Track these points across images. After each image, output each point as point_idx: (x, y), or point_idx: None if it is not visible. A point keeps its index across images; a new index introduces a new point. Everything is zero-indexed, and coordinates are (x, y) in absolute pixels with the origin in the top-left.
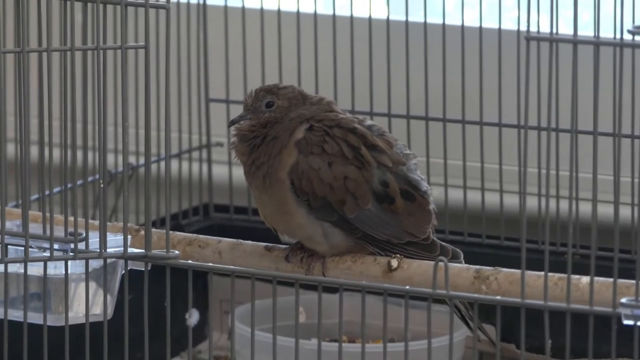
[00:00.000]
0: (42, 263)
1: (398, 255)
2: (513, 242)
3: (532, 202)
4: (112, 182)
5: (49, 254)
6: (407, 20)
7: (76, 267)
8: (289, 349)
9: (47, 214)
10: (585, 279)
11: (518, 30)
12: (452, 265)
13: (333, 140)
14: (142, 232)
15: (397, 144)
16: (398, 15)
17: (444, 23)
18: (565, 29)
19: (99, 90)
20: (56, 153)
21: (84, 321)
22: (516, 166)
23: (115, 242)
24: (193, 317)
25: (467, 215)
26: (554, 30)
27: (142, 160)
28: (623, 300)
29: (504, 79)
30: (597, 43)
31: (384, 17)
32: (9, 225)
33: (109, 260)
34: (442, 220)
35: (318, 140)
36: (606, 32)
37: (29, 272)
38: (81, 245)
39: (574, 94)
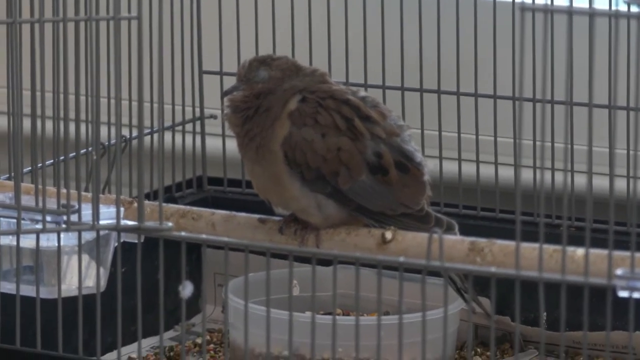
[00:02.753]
0: (34, 235)
1: (392, 227)
2: (508, 214)
3: (527, 175)
4: (105, 154)
5: (41, 226)
6: None
7: (69, 240)
8: (282, 322)
9: (40, 186)
10: (581, 251)
11: (513, 1)
12: (446, 237)
13: (326, 112)
14: (135, 204)
15: (391, 116)
16: None
17: None
18: (559, 1)
19: (92, 61)
20: (48, 125)
21: (76, 294)
22: (511, 138)
23: (108, 214)
24: (186, 290)
25: (462, 187)
26: (549, 1)
27: (135, 133)
28: (618, 271)
29: (499, 51)
30: (592, 13)
31: None
32: (1, 197)
33: (101, 232)
34: (436, 193)
35: (311, 111)
36: (601, 3)
37: (22, 244)
38: (74, 217)
39: (568, 65)
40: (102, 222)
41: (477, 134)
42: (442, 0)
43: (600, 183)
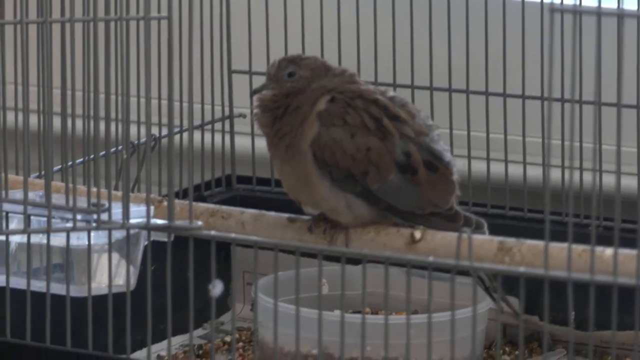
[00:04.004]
0: (64, 234)
1: (421, 226)
2: (536, 213)
3: (555, 174)
4: (135, 153)
5: (71, 225)
6: None
7: (99, 238)
8: (312, 321)
9: (70, 185)
10: (609, 251)
11: (542, 2)
12: (475, 236)
13: (355, 112)
14: (165, 203)
15: (419, 115)
16: None
17: None
18: (588, 2)
19: (122, 61)
20: (79, 124)
21: (106, 292)
22: (539, 138)
23: (138, 213)
24: (216, 288)
25: (490, 186)
26: (578, 2)
27: (165, 132)
28: None
29: (528, 51)
30: (620, 14)
31: None
32: (32, 196)
33: (131, 231)
34: (465, 192)
35: (340, 111)
36: (630, 4)
37: (52, 242)
38: (104, 216)
39: (597, 65)
40: (132, 220)
41: (505, 134)
42: (470, 1)
43: (629, 183)
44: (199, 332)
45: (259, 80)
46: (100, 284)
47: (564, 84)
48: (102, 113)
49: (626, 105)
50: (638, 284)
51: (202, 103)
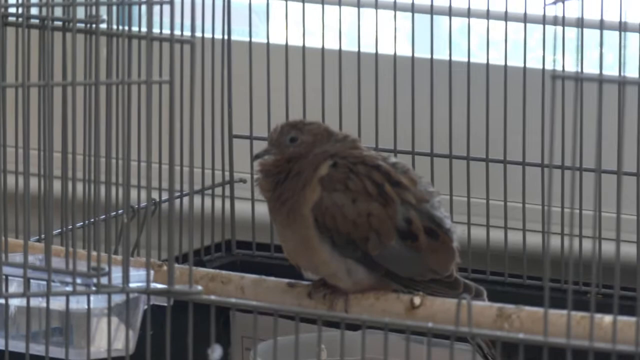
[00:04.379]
0: (64, 297)
1: (421, 292)
2: (536, 280)
3: (555, 241)
4: (135, 217)
5: (71, 288)
6: (432, 58)
7: (98, 302)
8: None
9: (70, 249)
10: (608, 318)
11: (543, 69)
12: (474, 303)
13: (357, 177)
14: (165, 268)
15: (420, 181)
16: (423, 53)
17: (468, 61)
18: (589, 69)
19: (124, 125)
20: (79, 188)
21: (106, 356)
22: (539, 205)
23: (137, 277)
24: (215, 353)
25: (490, 253)
26: (579, 69)
27: (165, 196)
28: None
29: (528, 118)
30: (622, 81)
31: (409, 54)
32: (32, 259)
33: (131, 295)
34: (465, 259)
35: (342, 177)
36: (631, 72)
37: (51, 306)
38: (104, 280)
39: (598, 133)
40: (132, 284)
41: (505, 200)
42: (472, 67)
43: (629, 250)
44: None
45: (259, 145)
46: (99, 348)
47: (565, 150)
48: (102, 177)
49: (627, 173)
50: (637, 352)
51: (203, 167)
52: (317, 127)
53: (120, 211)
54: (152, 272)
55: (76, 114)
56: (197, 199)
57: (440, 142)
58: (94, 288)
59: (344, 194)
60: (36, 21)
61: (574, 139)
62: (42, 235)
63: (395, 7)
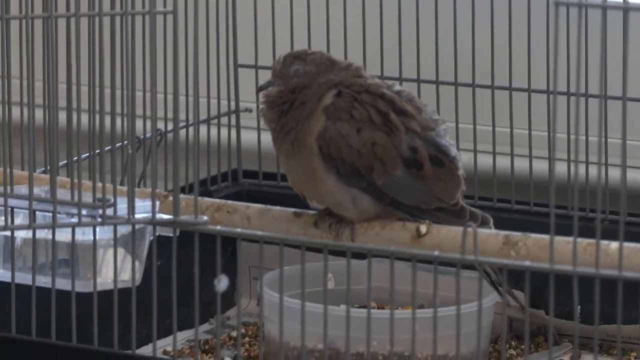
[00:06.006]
0: (70, 229)
1: (427, 221)
2: (543, 207)
3: (561, 168)
4: (141, 147)
5: (77, 220)
6: None
7: (104, 233)
8: (317, 315)
9: (75, 180)
10: (615, 245)
11: None
12: (481, 230)
13: (361, 106)
14: (171, 198)
15: (425, 110)
16: None
17: None
18: None
19: (128, 55)
20: (84, 119)
21: (112, 287)
22: (545, 132)
23: (143, 208)
24: (222, 283)
25: (496, 180)
26: None
27: (170, 126)
28: None
29: (533, 45)
30: (625, 8)
31: None
32: (37, 191)
33: (137, 226)
34: (471, 186)
35: (346, 106)
36: None
37: (57, 238)
38: (109, 211)
39: (602, 59)
40: (137, 215)
41: (511, 128)
42: None
43: (634, 176)
44: (205, 327)
45: (265, 75)
46: (105, 280)
47: (570, 77)
48: (107, 108)
49: (631, 99)
50: None
51: (208, 97)
52: (319, 56)
53: (125, 142)
54: (157, 202)
55: (80, 45)
56: (203, 129)
57: (446, 70)
58: (99, 219)
59: (349, 123)
60: None
61: (578, 66)
62: (48, 167)
63: None
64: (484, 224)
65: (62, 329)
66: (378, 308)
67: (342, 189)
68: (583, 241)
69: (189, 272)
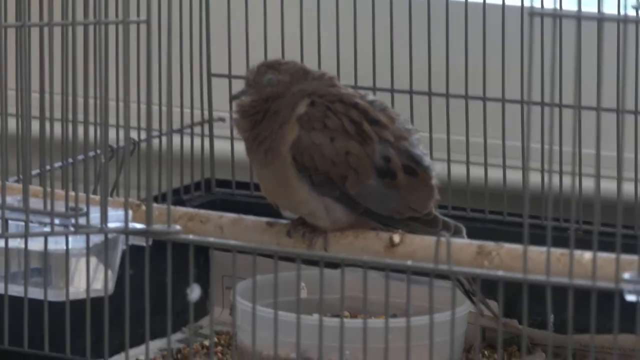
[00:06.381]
0: (43, 238)
1: (400, 230)
2: (516, 217)
3: (535, 178)
4: (114, 157)
5: (49, 229)
6: None
7: (77, 242)
8: (290, 324)
9: (48, 189)
10: (588, 255)
11: (522, 6)
12: (454, 240)
13: (335, 116)
14: (144, 207)
15: (399, 119)
16: None
17: None
18: (568, 6)
19: (101, 64)
20: (57, 128)
21: (84, 296)
22: (519, 142)
23: (116, 217)
24: (194, 293)
25: (470, 190)
26: (558, 6)
27: (143, 135)
28: (626, 275)
29: (508, 55)
30: (600, 19)
31: None
32: (10, 200)
33: (110, 235)
34: (444, 196)
35: (320, 115)
36: (610, 9)
37: (30, 247)
38: (82, 220)
39: (577, 69)
40: (110, 225)
41: (485, 138)
42: (450, 5)
43: (608, 186)
44: (178, 336)
45: (238, 84)
46: (78, 289)
47: (544, 87)
48: (80, 117)
49: (606, 109)
50: (617, 288)
51: (182, 107)
52: (293, 66)
53: (98, 151)
54: (130, 212)
55: (53, 54)
56: (176, 138)
57: (419, 80)
58: (72, 229)
59: (322, 133)
60: None
61: (552, 76)
62: (21, 176)
63: None
64: (457, 233)
65: (35, 337)
66: (351, 317)
67: (316, 198)
68: (557, 251)
69: (161, 281)
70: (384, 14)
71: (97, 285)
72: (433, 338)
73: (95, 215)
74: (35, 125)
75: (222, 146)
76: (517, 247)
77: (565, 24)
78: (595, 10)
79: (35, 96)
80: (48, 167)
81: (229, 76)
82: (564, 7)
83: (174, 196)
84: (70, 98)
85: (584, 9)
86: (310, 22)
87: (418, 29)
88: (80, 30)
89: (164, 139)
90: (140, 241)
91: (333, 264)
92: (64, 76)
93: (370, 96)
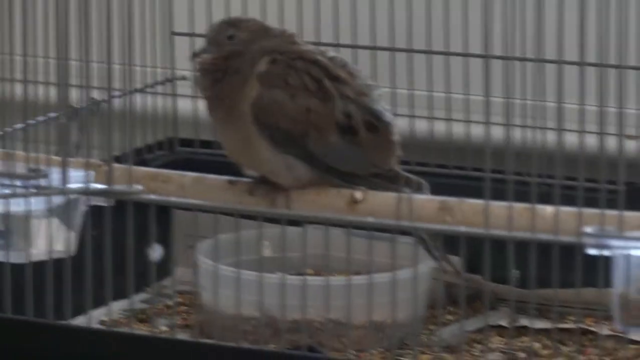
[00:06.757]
0: (3, 200)
1: (362, 187)
2: (480, 172)
3: (497, 131)
4: (76, 117)
5: (10, 191)
6: None
7: (38, 204)
8: (253, 283)
9: (8, 151)
10: (550, 209)
11: None
12: (416, 196)
13: (295, 73)
14: (105, 168)
15: (360, 75)
16: None
17: None
18: None
19: (61, 24)
20: (17, 89)
21: (46, 258)
22: (482, 96)
23: (77, 178)
24: (156, 252)
25: (433, 146)
26: None
27: (106, 95)
28: (587, 229)
29: (470, 9)
30: None
31: None
32: None
33: (71, 196)
34: (407, 152)
35: (280, 72)
36: None
37: None
38: (43, 182)
39: (537, 23)
40: (71, 185)
41: (448, 92)
42: None
43: (570, 140)
44: (141, 296)
45: (200, 43)
46: (40, 250)
47: (507, 42)
48: (41, 77)
49: (567, 62)
50: (579, 242)
51: (144, 66)
52: (253, 23)
53: (59, 112)
54: (92, 172)
55: (13, 14)
56: (138, 98)
57: (382, 36)
58: (33, 190)
59: (283, 90)
60: None
61: (511, 29)
62: None
63: None
64: (419, 189)
65: None
66: (314, 275)
67: (277, 156)
68: (519, 206)
69: (123, 241)
70: None
71: (59, 247)
72: (396, 295)
73: (56, 177)
74: None
75: (184, 105)
76: (479, 202)
77: None
78: None
79: None
80: (8, 129)
81: (191, 34)
82: None
83: (136, 156)
84: (30, 58)
85: None
86: None
87: None
88: None
89: (126, 98)
90: (101, 202)
91: (295, 222)
92: (23, 36)
93: (331, 53)
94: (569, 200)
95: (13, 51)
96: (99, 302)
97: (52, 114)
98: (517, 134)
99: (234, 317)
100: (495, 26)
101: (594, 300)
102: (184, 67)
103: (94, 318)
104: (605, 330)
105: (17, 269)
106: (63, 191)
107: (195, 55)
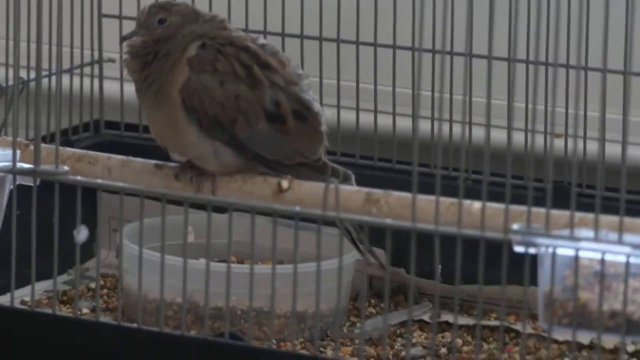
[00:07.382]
0: None
1: (289, 176)
2: (406, 165)
3: (425, 125)
4: (2, 96)
5: None
6: None
7: None
8: (177, 268)
9: None
10: (477, 204)
11: None
12: (343, 187)
13: (225, 59)
14: (32, 147)
15: (289, 64)
16: None
17: None
18: None
19: None
20: None
21: None
22: (410, 89)
23: (3, 157)
24: (81, 234)
25: (359, 137)
26: None
27: (33, 75)
28: (514, 226)
29: (399, 2)
30: None
31: None
32: None
33: None
34: (334, 142)
35: (210, 58)
36: None
37: None
38: None
39: (469, 17)
40: None
41: (375, 84)
42: None
43: (498, 136)
44: (64, 277)
45: (129, 25)
46: None
47: (435, 35)
48: None
49: (497, 58)
50: (505, 239)
51: (72, 47)
52: (184, 7)
53: None
54: (18, 151)
55: None
56: (65, 78)
57: (311, 25)
58: None
59: (212, 76)
60: None
61: (444, 23)
62: None
63: None
64: (346, 180)
65: None
66: (238, 262)
67: (204, 141)
68: (446, 200)
69: (48, 222)
70: None
71: None
72: (320, 285)
73: None
74: None
75: (111, 87)
76: (406, 195)
77: None
78: None
79: None
80: None
81: (120, 17)
82: None
83: (62, 137)
84: None
85: None
86: None
87: None
88: None
89: (53, 78)
90: (27, 181)
91: (221, 209)
92: None
93: (262, 40)
94: (496, 197)
95: None
96: (22, 282)
97: None
98: (445, 129)
99: (156, 302)
100: (426, 19)
101: (518, 298)
102: (112, 49)
103: (17, 298)
104: (528, 328)
105: None
106: None
107: (124, 38)
